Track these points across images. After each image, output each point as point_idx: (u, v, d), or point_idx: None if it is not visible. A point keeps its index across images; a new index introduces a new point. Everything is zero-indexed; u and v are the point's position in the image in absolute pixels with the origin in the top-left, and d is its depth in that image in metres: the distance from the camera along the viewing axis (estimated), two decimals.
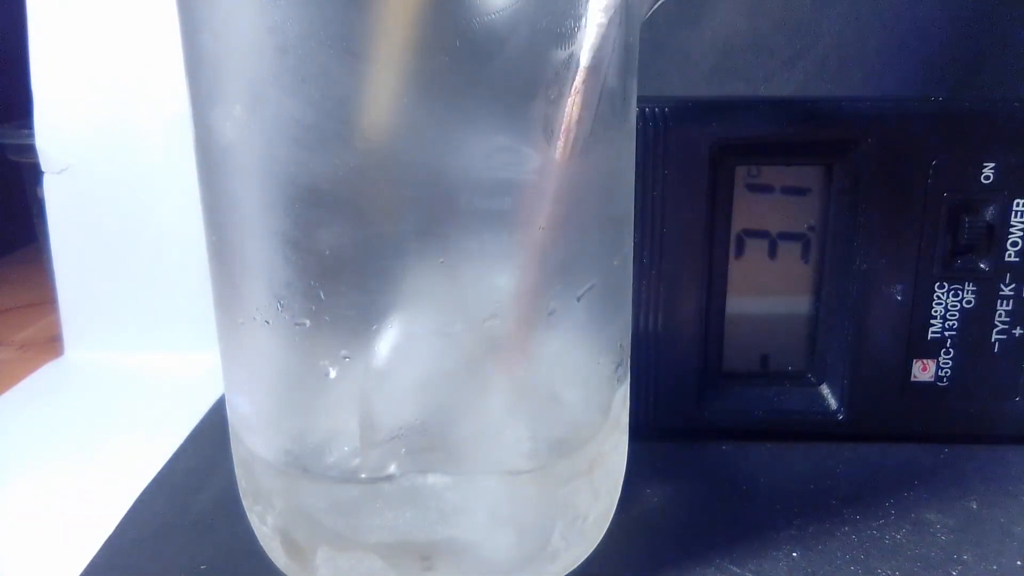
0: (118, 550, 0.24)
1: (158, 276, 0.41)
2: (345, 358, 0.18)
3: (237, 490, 0.22)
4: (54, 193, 0.41)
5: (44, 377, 0.40)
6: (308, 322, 0.18)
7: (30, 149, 0.41)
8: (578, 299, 0.19)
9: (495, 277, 0.18)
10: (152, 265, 0.41)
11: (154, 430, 0.33)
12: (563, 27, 0.17)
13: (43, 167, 0.40)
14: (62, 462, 0.32)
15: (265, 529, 0.21)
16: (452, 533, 0.19)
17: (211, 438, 0.31)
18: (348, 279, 0.18)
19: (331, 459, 0.19)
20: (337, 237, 0.17)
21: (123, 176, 0.40)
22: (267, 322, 0.18)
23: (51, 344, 0.44)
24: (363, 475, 0.19)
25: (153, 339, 0.41)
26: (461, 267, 0.18)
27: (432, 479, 0.19)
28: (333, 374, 0.18)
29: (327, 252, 0.17)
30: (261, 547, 0.22)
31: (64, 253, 0.41)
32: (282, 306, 0.18)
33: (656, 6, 0.19)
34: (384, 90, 0.16)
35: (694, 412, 0.30)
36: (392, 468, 0.19)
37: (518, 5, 0.16)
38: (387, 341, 0.18)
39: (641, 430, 0.24)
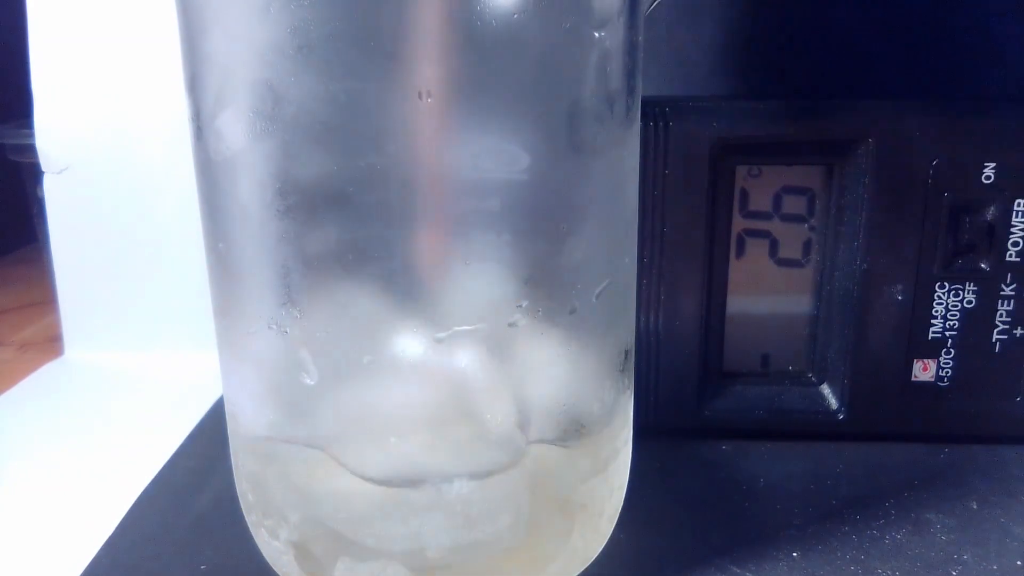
0: (118, 550, 0.24)
1: (158, 276, 0.41)
2: (369, 362, 0.18)
3: (237, 490, 0.22)
4: (54, 193, 0.41)
5: (44, 377, 0.40)
6: (328, 329, 0.18)
7: (30, 149, 0.41)
8: (596, 296, 0.19)
9: (518, 278, 0.18)
10: (152, 265, 0.41)
11: (154, 430, 0.33)
12: (572, 28, 0.17)
13: (43, 167, 0.40)
14: (62, 462, 0.32)
15: (277, 544, 0.20)
16: (477, 537, 0.19)
17: (211, 438, 0.31)
18: (372, 283, 0.17)
19: (355, 465, 0.19)
20: (361, 241, 0.17)
21: (123, 176, 0.40)
22: (285, 331, 0.18)
23: (51, 344, 0.44)
24: (387, 480, 0.19)
25: (153, 339, 0.41)
26: (484, 268, 0.18)
27: (456, 482, 0.19)
28: (354, 379, 0.18)
29: (350, 257, 0.17)
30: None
31: (64, 253, 0.41)
32: (301, 314, 0.18)
33: (654, 5, 0.19)
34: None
35: (694, 412, 0.30)
36: (415, 471, 0.19)
37: (531, 8, 0.16)
38: (410, 343, 0.18)
39: (641, 430, 0.24)
